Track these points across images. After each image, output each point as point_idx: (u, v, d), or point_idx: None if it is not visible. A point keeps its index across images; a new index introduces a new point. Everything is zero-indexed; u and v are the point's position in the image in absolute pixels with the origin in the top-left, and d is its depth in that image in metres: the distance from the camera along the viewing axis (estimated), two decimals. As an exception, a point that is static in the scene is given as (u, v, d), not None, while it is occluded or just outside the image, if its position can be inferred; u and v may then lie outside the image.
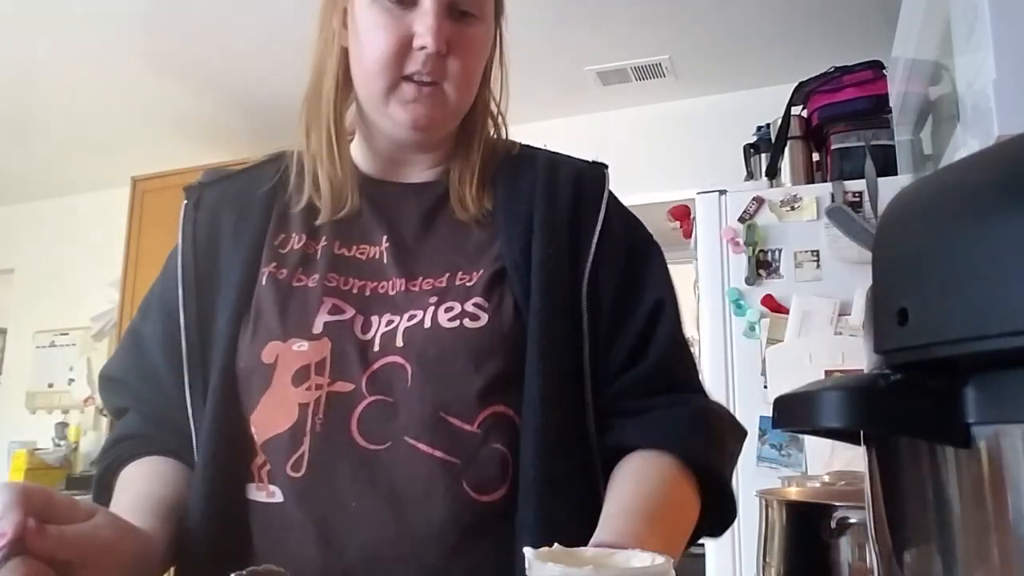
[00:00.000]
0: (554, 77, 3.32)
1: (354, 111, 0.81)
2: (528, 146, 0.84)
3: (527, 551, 0.43)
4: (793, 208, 2.22)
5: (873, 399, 0.30)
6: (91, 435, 4.21)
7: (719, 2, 2.79)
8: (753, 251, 2.22)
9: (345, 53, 0.77)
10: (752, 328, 2.19)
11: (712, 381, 2.20)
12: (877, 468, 0.35)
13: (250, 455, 0.71)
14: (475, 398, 0.68)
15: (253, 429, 0.71)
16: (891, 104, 2.27)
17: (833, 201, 2.18)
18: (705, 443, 0.70)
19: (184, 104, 3.58)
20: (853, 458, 1.60)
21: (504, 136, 0.84)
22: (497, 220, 0.77)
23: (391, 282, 0.74)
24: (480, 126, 0.81)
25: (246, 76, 3.32)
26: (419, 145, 0.80)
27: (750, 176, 2.63)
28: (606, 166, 0.82)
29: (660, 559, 0.43)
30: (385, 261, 0.76)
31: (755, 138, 2.66)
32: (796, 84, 2.53)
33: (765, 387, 2.14)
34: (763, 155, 2.55)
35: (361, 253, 0.77)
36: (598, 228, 0.76)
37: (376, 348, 0.70)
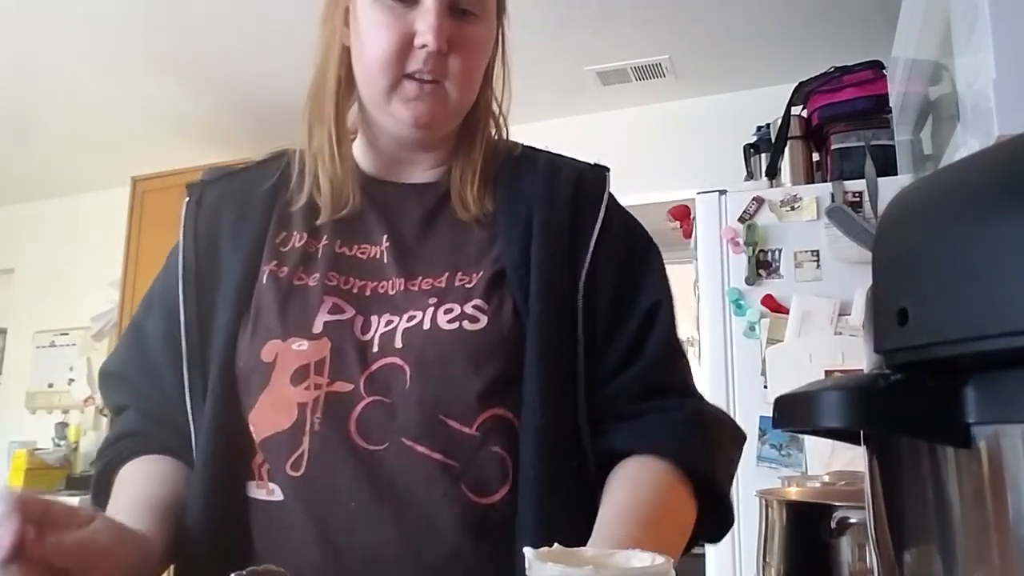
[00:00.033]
0: (554, 77, 3.32)
1: (356, 110, 0.81)
2: (530, 147, 0.84)
3: (527, 551, 0.43)
4: (793, 208, 2.22)
5: (873, 399, 0.30)
6: (91, 435, 4.21)
7: (719, 2, 2.79)
8: (753, 251, 2.22)
9: (347, 52, 0.77)
10: (752, 328, 2.19)
11: (712, 381, 2.20)
12: (877, 468, 0.35)
13: (249, 453, 0.71)
14: (474, 401, 0.68)
15: (252, 428, 0.71)
16: (891, 104, 2.27)
17: (833, 201, 2.18)
18: (700, 448, 0.70)
19: (184, 104, 3.58)
20: (853, 458, 1.60)
21: (505, 136, 0.84)
22: (497, 221, 0.76)
23: (391, 282, 0.74)
24: (482, 125, 0.81)
25: (246, 76, 3.32)
26: (421, 144, 0.80)
27: (750, 176, 2.63)
28: (607, 169, 0.82)
29: (660, 559, 0.43)
30: (385, 261, 0.76)
31: (755, 138, 2.66)
32: (796, 84, 2.52)
33: (765, 387, 2.14)
34: (763, 155, 2.55)
35: (362, 253, 0.77)
36: (596, 230, 0.75)
37: (375, 349, 0.70)
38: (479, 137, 0.81)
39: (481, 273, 0.73)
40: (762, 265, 2.21)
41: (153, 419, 0.77)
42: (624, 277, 0.75)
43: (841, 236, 2.11)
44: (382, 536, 0.65)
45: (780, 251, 2.21)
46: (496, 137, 0.83)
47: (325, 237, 0.77)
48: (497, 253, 0.74)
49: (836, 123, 2.36)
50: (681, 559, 0.64)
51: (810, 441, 2.06)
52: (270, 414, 0.70)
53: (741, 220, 2.25)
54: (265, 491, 0.70)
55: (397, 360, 0.69)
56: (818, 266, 2.17)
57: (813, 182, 2.36)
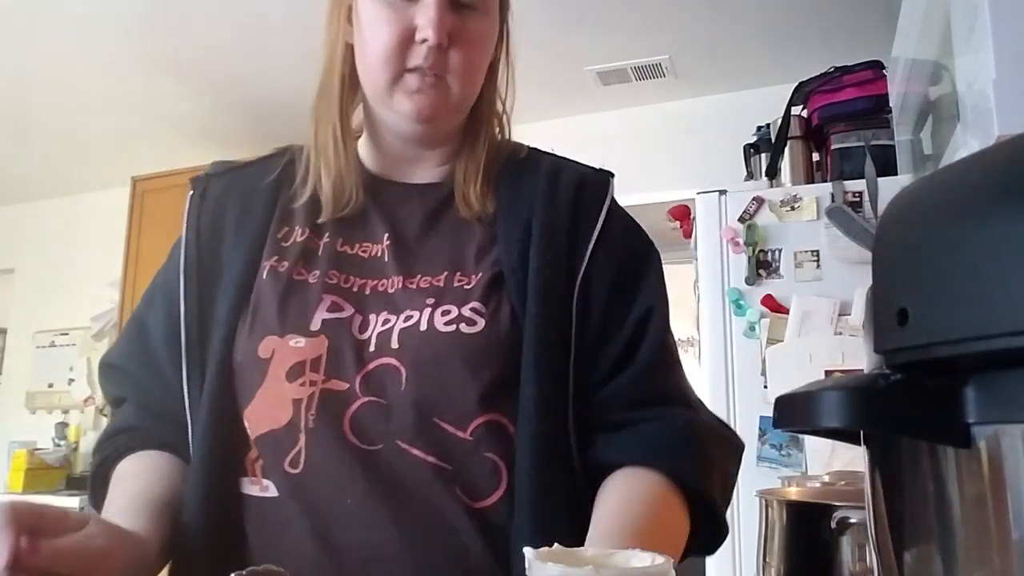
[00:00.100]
0: (554, 77, 3.32)
1: (362, 110, 0.81)
2: (536, 150, 0.84)
3: (527, 551, 0.43)
4: (793, 208, 2.22)
5: (873, 399, 0.30)
6: (91, 435, 4.21)
7: (719, 2, 2.79)
8: (753, 251, 2.22)
9: (351, 50, 0.77)
10: (752, 328, 2.19)
11: (712, 381, 2.21)
12: (877, 468, 0.35)
13: (244, 449, 0.71)
14: (469, 405, 0.68)
15: (247, 423, 0.70)
16: (891, 104, 2.27)
17: (833, 201, 2.18)
18: (692, 461, 0.69)
19: (184, 104, 3.58)
20: (853, 458, 1.60)
21: (507, 136, 0.84)
22: (498, 222, 0.76)
23: (390, 280, 0.74)
24: (485, 122, 0.81)
25: (246, 76, 3.32)
26: (424, 139, 0.79)
27: (750, 176, 2.63)
28: (612, 174, 0.81)
29: (660, 559, 0.43)
30: (386, 259, 0.75)
31: (755, 138, 2.66)
32: (796, 84, 2.52)
33: (765, 387, 2.14)
34: (763, 155, 2.55)
35: (363, 251, 0.77)
36: (595, 234, 0.75)
37: (372, 348, 0.70)
38: (483, 135, 0.80)
39: (480, 275, 0.73)
40: (762, 265, 2.21)
41: (152, 413, 0.77)
42: (620, 283, 0.75)
43: (841, 236, 2.11)
44: (381, 535, 0.65)
45: (780, 251, 2.21)
46: (500, 137, 0.83)
47: (327, 235, 0.77)
48: (496, 255, 0.74)
49: (836, 123, 2.36)
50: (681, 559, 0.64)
51: (810, 441, 2.06)
52: (266, 410, 0.69)
53: (741, 220, 2.25)
54: (259, 487, 0.70)
55: (393, 361, 0.69)
56: (818, 266, 2.17)
57: (813, 182, 2.36)
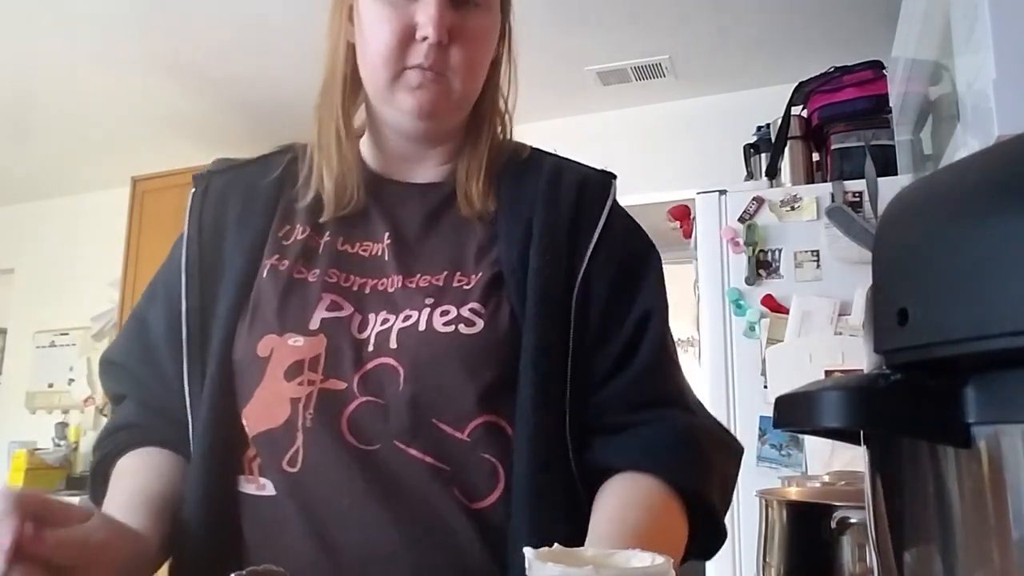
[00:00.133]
0: (554, 77, 3.32)
1: (365, 109, 0.81)
2: (539, 150, 0.84)
3: (527, 551, 0.43)
4: (793, 208, 2.22)
5: (873, 399, 0.30)
6: (91, 435, 4.21)
7: (719, 2, 2.79)
8: (753, 251, 2.22)
9: (352, 49, 0.77)
10: (752, 328, 2.19)
11: (712, 381, 2.21)
12: (877, 468, 0.35)
13: (243, 447, 0.71)
14: (468, 406, 0.68)
15: (245, 422, 0.70)
16: (891, 104, 2.27)
17: (833, 201, 2.18)
18: (691, 465, 0.68)
19: (184, 104, 3.58)
20: (853, 458, 1.60)
21: (509, 135, 0.84)
22: (499, 221, 0.76)
23: (390, 279, 0.74)
24: (488, 121, 0.81)
25: (246, 76, 3.32)
26: (426, 137, 0.79)
27: (750, 176, 2.63)
28: (614, 176, 0.81)
29: (660, 559, 0.43)
30: (386, 258, 0.75)
31: (755, 138, 2.66)
32: (796, 84, 2.53)
33: (765, 387, 2.14)
34: (763, 155, 2.55)
35: (364, 250, 0.77)
36: (596, 236, 0.75)
37: (370, 348, 0.70)
38: (485, 133, 0.80)
39: (480, 275, 0.73)
40: (762, 265, 2.21)
41: (152, 410, 0.77)
42: (620, 283, 0.74)
43: (841, 236, 2.11)
44: (378, 535, 0.65)
45: (780, 251, 2.21)
46: (502, 136, 0.83)
47: (328, 233, 0.77)
48: (496, 254, 0.74)
49: (836, 123, 2.36)
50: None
51: (810, 441, 2.06)
52: (264, 409, 0.69)
53: (741, 220, 2.25)
54: (255, 486, 0.70)
55: (391, 361, 0.69)
56: (818, 266, 2.17)
57: (813, 182, 2.36)
